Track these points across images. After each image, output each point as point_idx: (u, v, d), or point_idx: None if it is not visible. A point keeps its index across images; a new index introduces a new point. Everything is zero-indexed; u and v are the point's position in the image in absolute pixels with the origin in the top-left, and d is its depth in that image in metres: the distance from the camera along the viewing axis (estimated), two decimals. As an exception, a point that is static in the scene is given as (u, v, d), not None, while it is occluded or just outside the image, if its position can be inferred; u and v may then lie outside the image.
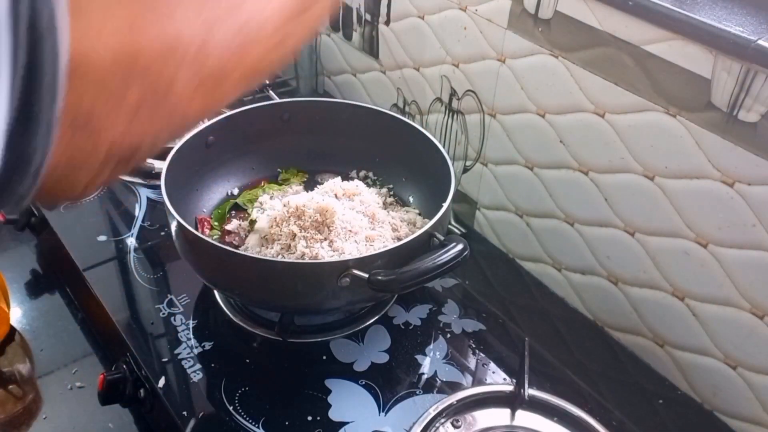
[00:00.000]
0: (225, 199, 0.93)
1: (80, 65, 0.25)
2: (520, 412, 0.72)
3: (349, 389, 0.75)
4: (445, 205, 0.76)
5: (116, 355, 0.82)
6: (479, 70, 0.93)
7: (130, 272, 0.88)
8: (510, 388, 0.73)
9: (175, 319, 0.81)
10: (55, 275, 0.98)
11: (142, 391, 0.76)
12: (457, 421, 0.71)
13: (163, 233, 0.93)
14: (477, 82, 0.94)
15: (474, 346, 0.82)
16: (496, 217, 0.99)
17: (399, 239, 0.80)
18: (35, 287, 0.97)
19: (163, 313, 0.82)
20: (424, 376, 0.77)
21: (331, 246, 0.76)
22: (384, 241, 0.79)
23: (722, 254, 0.72)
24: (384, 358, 0.79)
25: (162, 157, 0.82)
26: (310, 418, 0.71)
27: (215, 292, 0.85)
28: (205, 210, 0.90)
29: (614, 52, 0.75)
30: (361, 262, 0.68)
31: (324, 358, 0.78)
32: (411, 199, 0.93)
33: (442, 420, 0.71)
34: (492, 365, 0.79)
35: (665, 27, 0.69)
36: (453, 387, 0.76)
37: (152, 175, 1.01)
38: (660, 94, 0.72)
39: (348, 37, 1.17)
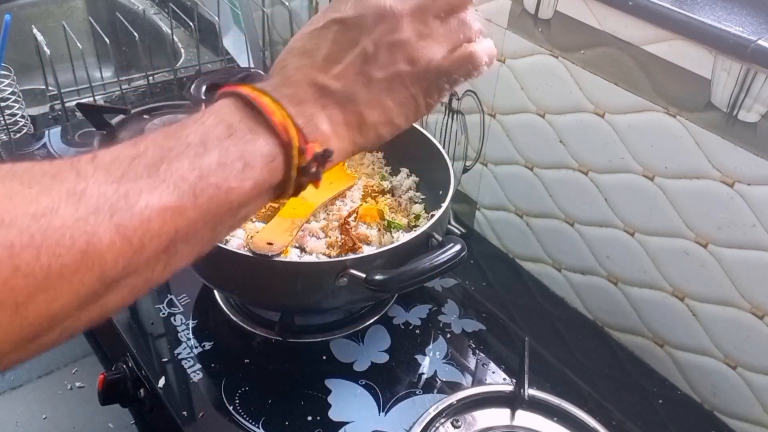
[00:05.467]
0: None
1: None
2: (520, 412, 0.72)
3: (349, 389, 0.75)
4: (444, 205, 0.76)
5: (116, 355, 0.83)
6: (479, 70, 0.92)
7: (130, 272, 0.88)
8: (510, 388, 0.73)
9: (175, 319, 0.81)
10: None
11: (142, 391, 0.76)
12: (457, 421, 0.71)
13: (163, 233, 0.93)
14: (477, 82, 0.94)
15: (474, 346, 0.82)
16: (496, 217, 0.99)
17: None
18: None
19: (163, 313, 0.82)
20: (424, 376, 0.77)
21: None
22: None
23: (722, 254, 0.72)
24: (384, 358, 0.79)
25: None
26: (310, 418, 0.71)
27: (215, 292, 0.85)
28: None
29: (614, 52, 0.75)
30: (359, 262, 0.68)
31: (324, 358, 0.78)
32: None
33: (442, 420, 0.71)
34: (492, 365, 0.79)
35: (665, 27, 0.69)
36: (453, 387, 0.76)
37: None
38: (660, 94, 0.72)
39: (348, 37, 1.17)
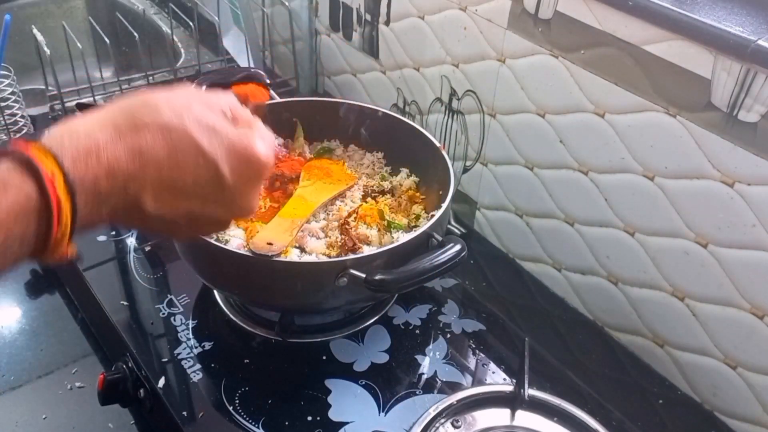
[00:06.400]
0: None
1: None
2: (520, 412, 0.72)
3: (349, 389, 0.75)
4: (444, 206, 0.76)
5: (116, 355, 0.82)
6: (479, 70, 0.93)
7: (130, 272, 0.88)
8: (510, 388, 0.73)
9: (175, 319, 0.81)
10: (55, 275, 0.98)
11: (142, 391, 0.76)
12: (457, 421, 0.71)
13: (163, 233, 0.93)
14: (477, 82, 0.94)
15: (474, 346, 0.82)
16: (496, 217, 0.99)
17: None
18: (35, 287, 0.97)
19: (163, 313, 0.82)
20: (424, 376, 0.77)
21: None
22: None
23: (722, 254, 0.72)
24: (384, 358, 0.79)
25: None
26: (310, 418, 0.71)
27: (215, 292, 0.85)
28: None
29: (614, 52, 0.75)
30: (359, 262, 0.68)
31: (324, 358, 0.78)
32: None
33: (442, 420, 0.71)
34: (492, 365, 0.79)
35: (665, 27, 0.69)
36: (453, 387, 0.76)
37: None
38: (660, 94, 0.72)
39: (348, 37, 1.17)
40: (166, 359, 0.77)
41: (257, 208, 0.52)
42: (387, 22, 1.07)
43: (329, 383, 0.75)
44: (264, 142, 0.50)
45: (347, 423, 0.71)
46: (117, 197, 0.43)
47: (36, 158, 0.39)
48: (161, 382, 0.74)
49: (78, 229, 0.41)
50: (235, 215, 0.52)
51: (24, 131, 1.12)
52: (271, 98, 0.96)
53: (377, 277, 0.65)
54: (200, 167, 0.45)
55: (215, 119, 0.47)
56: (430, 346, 0.81)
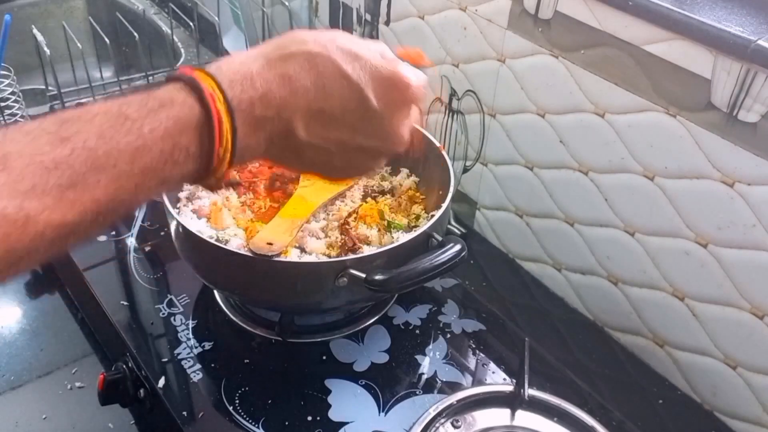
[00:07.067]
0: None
1: None
2: (520, 412, 0.72)
3: (349, 389, 0.75)
4: (444, 206, 0.76)
5: (116, 355, 0.83)
6: (479, 70, 0.93)
7: (130, 272, 0.88)
8: (510, 388, 0.73)
9: (174, 319, 0.81)
10: (55, 275, 0.98)
11: (142, 391, 0.76)
12: (457, 421, 0.71)
13: (163, 233, 0.93)
14: (477, 82, 0.94)
15: (474, 346, 0.82)
16: (496, 217, 0.99)
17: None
18: (35, 287, 0.97)
19: (163, 313, 0.82)
20: (424, 376, 0.77)
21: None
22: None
23: (722, 254, 0.72)
24: (384, 358, 0.79)
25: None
26: (310, 418, 0.71)
27: (215, 292, 0.85)
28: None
29: (614, 52, 0.75)
30: (359, 262, 0.68)
31: (324, 358, 0.78)
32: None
33: (442, 420, 0.71)
34: (492, 365, 0.79)
35: (665, 27, 0.69)
36: (453, 387, 0.76)
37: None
38: (660, 94, 0.72)
39: (348, 37, 1.17)
40: (166, 359, 0.77)
41: (408, 139, 0.52)
42: (387, 22, 1.07)
43: (329, 383, 0.75)
44: (412, 71, 0.50)
45: (347, 423, 0.71)
46: (272, 123, 0.45)
47: (198, 78, 0.43)
48: (161, 382, 0.74)
49: (239, 151, 0.44)
50: (387, 146, 0.51)
51: (24, 131, 1.12)
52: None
53: (377, 277, 0.65)
54: (345, 92, 0.47)
55: (359, 47, 0.48)
56: (430, 346, 0.81)
